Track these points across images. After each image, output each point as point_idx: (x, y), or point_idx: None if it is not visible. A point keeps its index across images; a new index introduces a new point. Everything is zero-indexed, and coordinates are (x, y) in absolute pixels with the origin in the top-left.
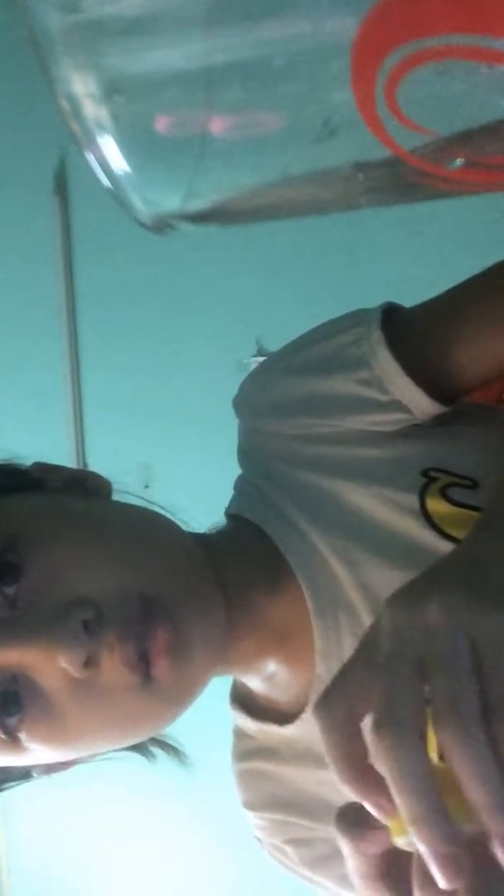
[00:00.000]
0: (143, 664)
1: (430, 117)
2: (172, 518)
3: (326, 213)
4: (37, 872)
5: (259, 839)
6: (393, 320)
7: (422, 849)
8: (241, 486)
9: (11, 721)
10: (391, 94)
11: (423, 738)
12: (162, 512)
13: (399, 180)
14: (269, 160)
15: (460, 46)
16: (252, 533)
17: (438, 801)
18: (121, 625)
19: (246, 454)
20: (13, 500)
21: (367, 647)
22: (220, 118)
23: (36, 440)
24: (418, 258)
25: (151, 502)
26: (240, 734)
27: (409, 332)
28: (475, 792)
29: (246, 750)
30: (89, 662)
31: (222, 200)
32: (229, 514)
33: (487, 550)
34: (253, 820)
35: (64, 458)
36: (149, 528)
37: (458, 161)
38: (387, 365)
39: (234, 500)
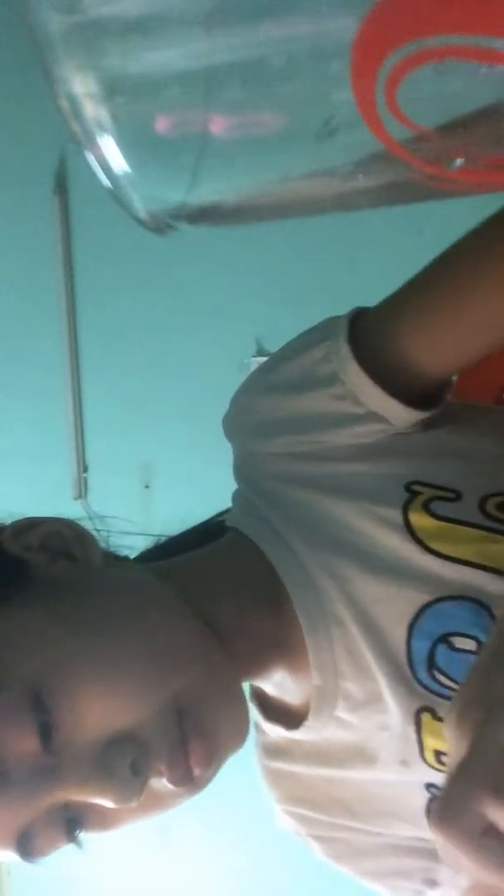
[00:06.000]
0: (188, 776)
1: (430, 117)
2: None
3: (326, 213)
4: (37, 872)
5: (290, 831)
6: (359, 328)
7: None
8: (238, 500)
9: (75, 836)
10: (391, 94)
11: None
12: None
13: (399, 181)
14: (269, 160)
15: (460, 46)
16: (249, 548)
17: None
18: (167, 754)
19: (239, 470)
20: (7, 622)
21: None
22: (220, 118)
23: (36, 440)
24: (418, 258)
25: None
26: (258, 727)
27: (371, 336)
28: None
29: (264, 745)
30: (140, 796)
31: (222, 200)
32: (228, 526)
33: None
34: (279, 811)
35: (64, 458)
36: (155, 621)
37: (458, 161)
38: (356, 378)
39: (233, 512)
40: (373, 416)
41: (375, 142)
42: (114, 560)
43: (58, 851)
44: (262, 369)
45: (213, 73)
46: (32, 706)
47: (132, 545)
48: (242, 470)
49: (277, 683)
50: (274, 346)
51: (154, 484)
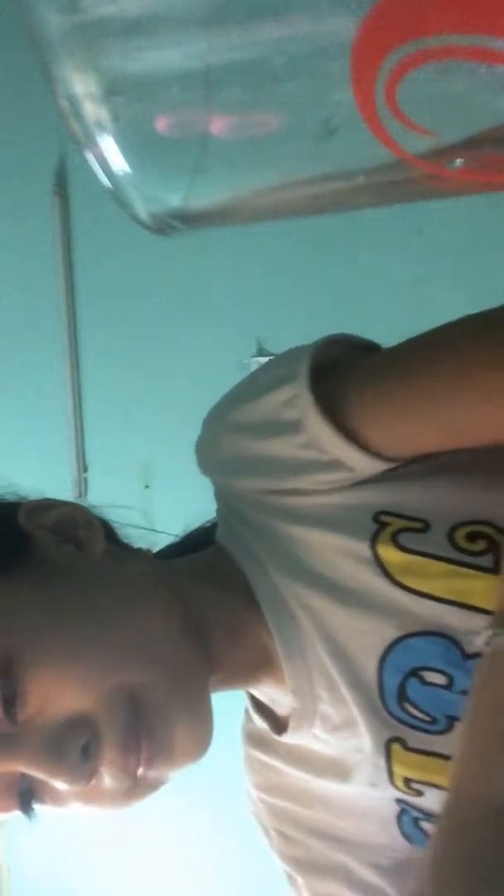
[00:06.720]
0: (133, 770)
1: (429, 117)
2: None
3: (326, 213)
4: (37, 872)
5: (254, 815)
6: (326, 374)
7: None
8: (221, 516)
9: (30, 810)
10: (391, 94)
11: None
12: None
13: (399, 180)
14: (269, 160)
15: (460, 46)
16: (233, 564)
17: None
18: (120, 741)
19: (217, 492)
20: (2, 593)
21: None
22: (220, 118)
23: (36, 440)
24: (418, 258)
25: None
26: (247, 714)
27: (342, 395)
28: None
29: (250, 732)
30: (88, 779)
31: (222, 201)
32: (215, 541)
33: None
34: (254, 796)
35: (64, 457)
36: (134, 617)
37: (458, 161)
38: (319, 429)
39: (220, 528)
40: (337, 464)
41: (375, 142)
42: (121, 552)
43: (56, 851)
44: (227, 402)
45: (213, 73)
46: (1, 675)
47: (140, 536)
48: (218, 492)
49: (264, 693)
50: (274, 346)
51: (154, 484)
